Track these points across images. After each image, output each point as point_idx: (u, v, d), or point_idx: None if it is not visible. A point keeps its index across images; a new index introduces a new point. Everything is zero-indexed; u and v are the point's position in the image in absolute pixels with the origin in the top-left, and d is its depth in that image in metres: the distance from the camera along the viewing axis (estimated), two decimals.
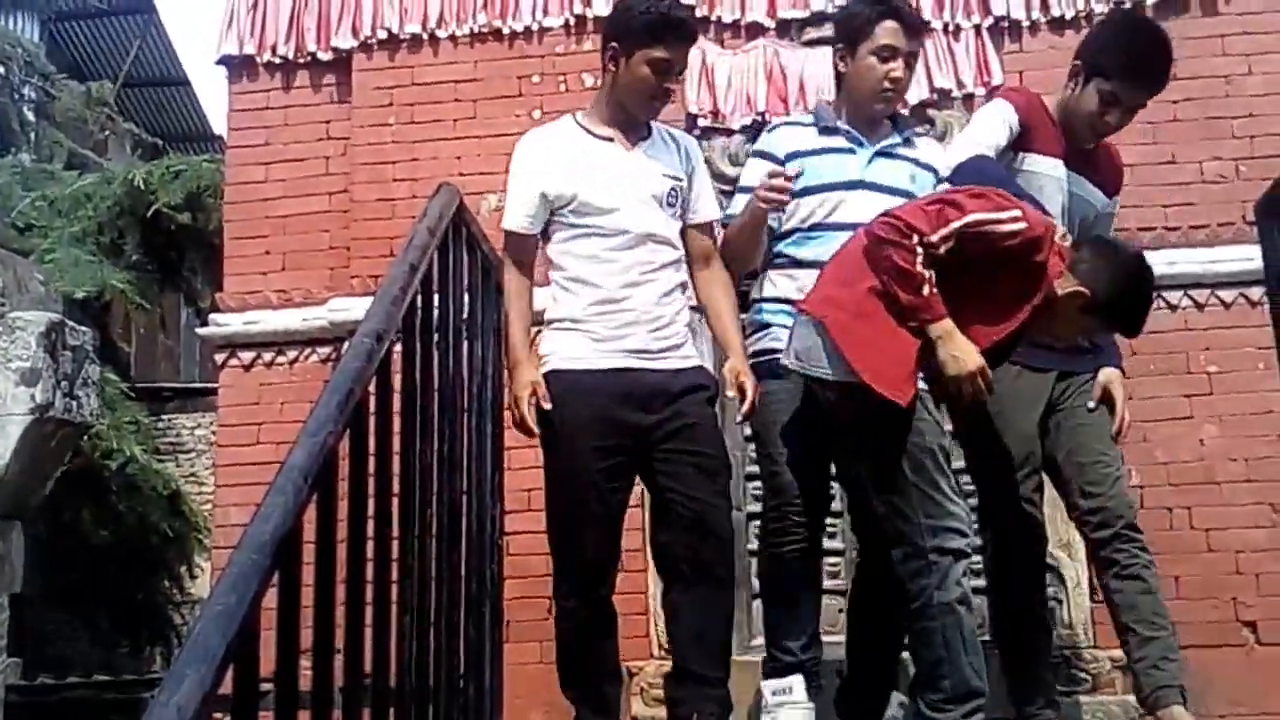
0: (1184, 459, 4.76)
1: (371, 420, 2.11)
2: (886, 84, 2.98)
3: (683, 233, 3.05)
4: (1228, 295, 4.70)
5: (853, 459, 2.85)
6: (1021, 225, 2.60)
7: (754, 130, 5.26)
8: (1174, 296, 4.87)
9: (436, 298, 2.62)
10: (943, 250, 2.58)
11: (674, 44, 2.86)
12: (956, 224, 2.58)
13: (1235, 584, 4.71)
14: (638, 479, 3.01)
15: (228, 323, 5.58)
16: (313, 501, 1.77)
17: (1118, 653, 4.44)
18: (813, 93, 5.20)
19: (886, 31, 2.96)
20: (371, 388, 2.09)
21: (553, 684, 4.80)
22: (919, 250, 2.56)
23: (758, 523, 3.60)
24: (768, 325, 3.11)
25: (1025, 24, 5.15)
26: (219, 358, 5.62)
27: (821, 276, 2.84)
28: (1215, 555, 4.70)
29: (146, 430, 9.06)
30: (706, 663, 2.85)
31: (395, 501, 2.29)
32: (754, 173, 3.09)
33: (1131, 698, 4.26)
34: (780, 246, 3.12)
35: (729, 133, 5.32)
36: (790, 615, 3.05)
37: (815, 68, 5.21)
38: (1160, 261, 4.92)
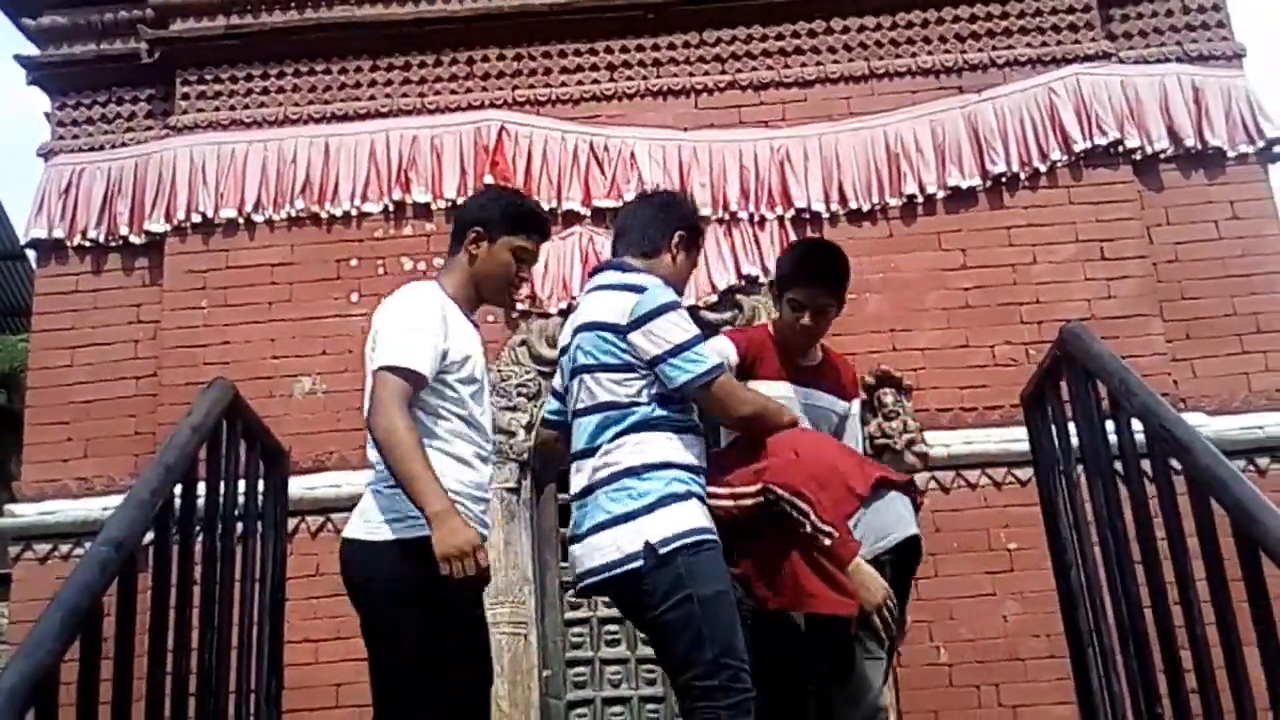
0: (988, 636, 4.85)
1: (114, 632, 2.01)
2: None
3: None
4: (1023, 474, 4.80)
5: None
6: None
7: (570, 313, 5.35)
8: (972, 475, 5.06)
9: (204, 493, 2.54)
10: None
11: (536, 237, 2.94)
12: None
13: None
14: None
15: (23, 513, 5.33)
16: None
17: None
18: None
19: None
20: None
21: None
22: None
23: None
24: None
25: (825, 215, 5.39)
26: (14, 550, 5.35)
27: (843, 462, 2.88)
28: None
29: None
30: None
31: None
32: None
33: None
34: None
35: (545, 316, 5.41)
36: None
37: None
38: (958, 441, 5.12)
